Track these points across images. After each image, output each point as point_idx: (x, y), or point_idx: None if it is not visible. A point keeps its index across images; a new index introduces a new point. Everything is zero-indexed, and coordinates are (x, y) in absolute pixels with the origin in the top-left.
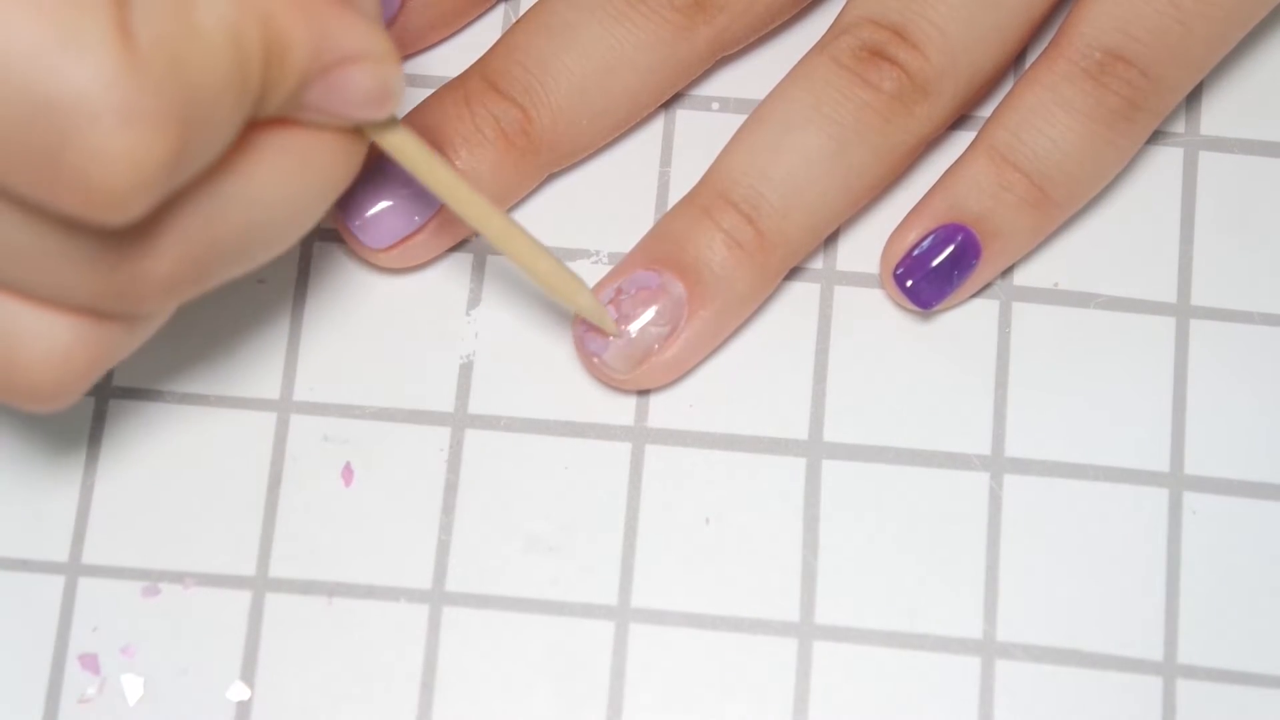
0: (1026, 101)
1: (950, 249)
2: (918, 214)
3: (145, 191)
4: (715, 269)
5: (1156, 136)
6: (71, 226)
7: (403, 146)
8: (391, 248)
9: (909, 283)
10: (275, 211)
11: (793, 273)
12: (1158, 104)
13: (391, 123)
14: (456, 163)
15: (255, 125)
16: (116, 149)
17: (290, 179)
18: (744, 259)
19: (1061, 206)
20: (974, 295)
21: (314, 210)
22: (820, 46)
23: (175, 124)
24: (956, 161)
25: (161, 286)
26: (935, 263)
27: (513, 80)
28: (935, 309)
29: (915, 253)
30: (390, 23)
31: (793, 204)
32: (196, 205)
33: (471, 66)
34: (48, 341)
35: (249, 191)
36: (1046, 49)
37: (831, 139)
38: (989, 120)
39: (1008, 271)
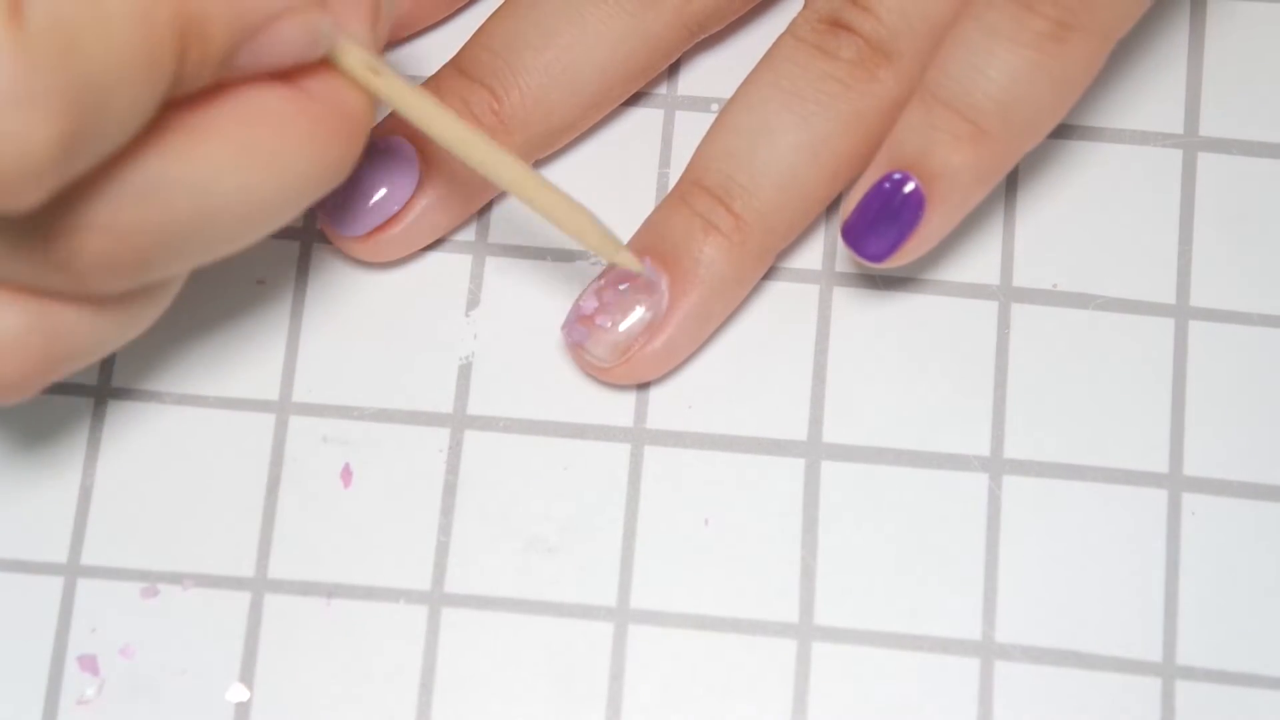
0: (955, 34)
1: (890, 197)
2: (864, 173)
3: (36, 177)
4: (695, 254)
5: (1156, 137)
6: None
7: (369, 77)
8: (367, 236)
9: (855, 236)
10: (229, 203)
11: (792, 273)
12: (1091, 22)
13: (353, 52)
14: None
15: (200, 112)
16: (2, 133)
17: (246, 171)
18: (721, 242)
19: (999, 139)
20: (971, 296)
21: (278, 206)
22: (787, 29)
23: (67, 108)
24: None
25: (97, 265)
26: (877, 212)
27: (480, 64)
28: (891, 260)
29: (859, 207)
30: None
31: (761, 181)
32: (123, 185)
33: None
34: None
35: (193, 178)
36: None
37: (792, 112)
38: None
39: (1008, 272)
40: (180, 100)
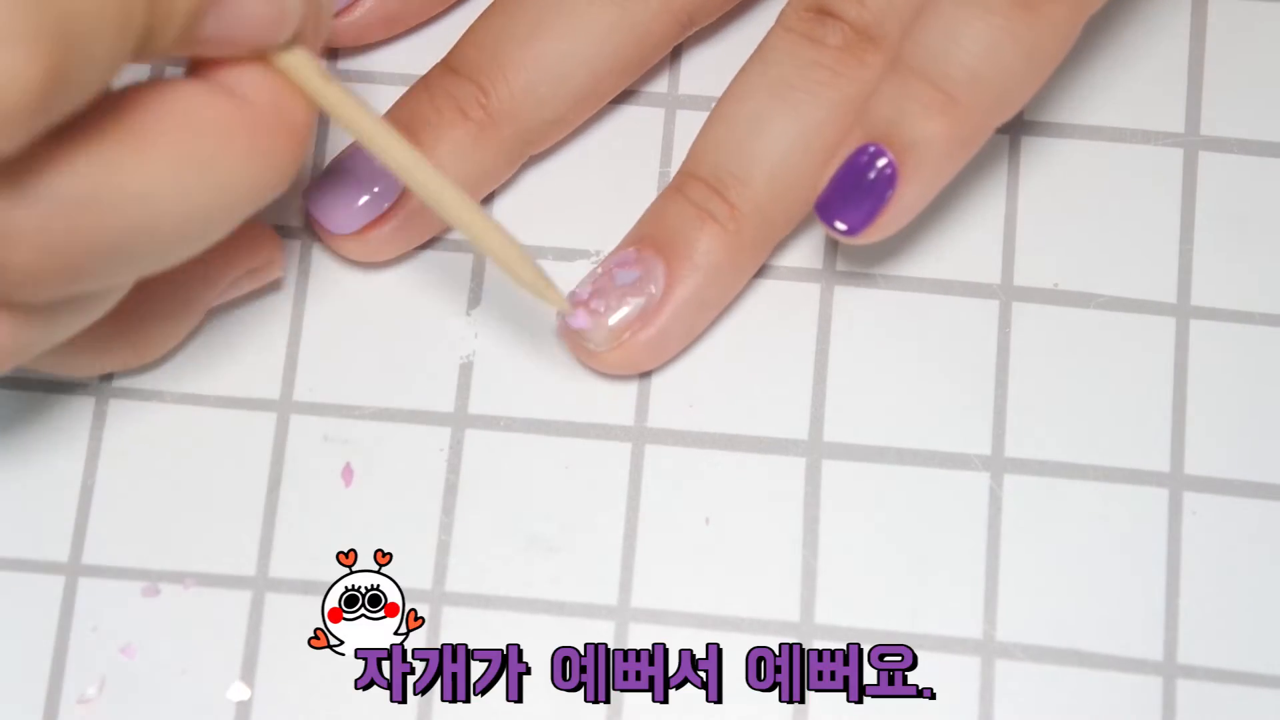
0: (929, 7)
1: (864, 170)
2: (839, 147)
3: (18, 117)
4: (691, 241)
5: (1156, 137)
6: None
7: (314, 83)
8: (355, 235)
9: (827, 209)
10: (165, 215)
11: (793, 272)
12: None
13: (304, 57)
14: (419, 149)
15: (138, 121)
16: None
17: (184, 182)
18: (717, 231)
19: (971, 108)
20: (972, 295)
21: (216, 218)
22: (777, 20)
23: (50, 47)
24: None
25: (24, 276)
26: (849, 185)
27: (468, 60)
28: (867, 233)
29: (832, 180)
30: (342, 14)
31: (754, 171)
32: (55, 196)
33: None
34: None
35: (129, 189)
36: None
37: (783, 101)
38: None
39: (1008, 271)
40: (116, 107)
